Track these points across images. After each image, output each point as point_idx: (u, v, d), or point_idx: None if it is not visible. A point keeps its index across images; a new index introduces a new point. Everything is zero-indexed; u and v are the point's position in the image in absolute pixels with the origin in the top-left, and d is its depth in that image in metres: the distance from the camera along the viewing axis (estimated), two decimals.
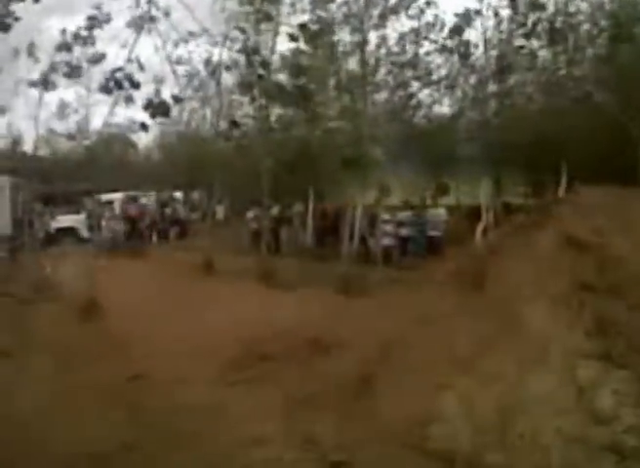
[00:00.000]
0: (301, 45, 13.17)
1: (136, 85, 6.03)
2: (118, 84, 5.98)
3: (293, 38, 12.98)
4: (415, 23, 15.87)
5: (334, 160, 16.72)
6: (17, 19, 6.36)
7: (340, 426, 6.10)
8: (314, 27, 13.49)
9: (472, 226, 16.53)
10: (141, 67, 6.10)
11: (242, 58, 6.79)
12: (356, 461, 5.42)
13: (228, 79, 17.12)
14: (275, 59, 15.73)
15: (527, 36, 15.47)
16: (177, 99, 6.05)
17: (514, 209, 17.07)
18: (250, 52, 6.64)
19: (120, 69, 5.99)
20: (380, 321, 8.74)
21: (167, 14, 6.01)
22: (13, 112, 32.72)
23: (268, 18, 14.53)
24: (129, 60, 6.00)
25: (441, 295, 8.16)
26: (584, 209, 7.87)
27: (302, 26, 13.11)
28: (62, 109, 29.99)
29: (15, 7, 6.25)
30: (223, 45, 14.86)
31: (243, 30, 14.99)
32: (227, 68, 6.60)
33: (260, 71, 6.82)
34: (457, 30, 15.59)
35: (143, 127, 6.60)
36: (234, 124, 16.49)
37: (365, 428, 5.88)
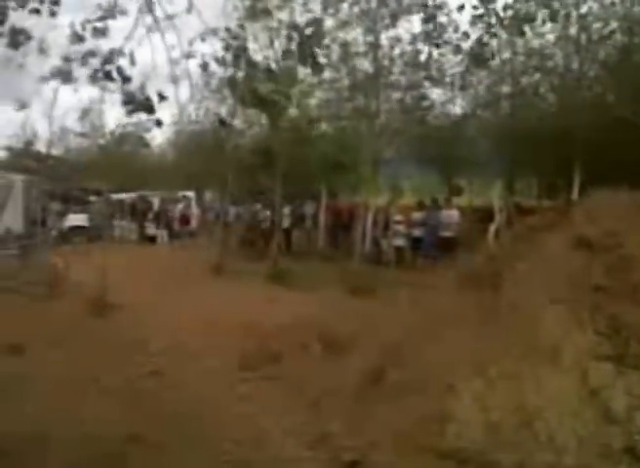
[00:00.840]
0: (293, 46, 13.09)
1: (126, 78, 6.00)
2: (108, 76, 5.95)
3: (289, 38, 12.88)
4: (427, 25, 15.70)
5: (347, 160, 16.73)
6: (29, 37, 6.37)
7: (352, 425, 6.12)
8: (307, 28, 13.34)
9: (484, 227, 16.53)
10: (133, 62, 6.05)
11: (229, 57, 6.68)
12: (369, 461, 5.43)
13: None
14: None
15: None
16: (162, 97, 5.99)
17: (527, 210, 17.00)
18: (237, 49, 6.52)
19: (111, 61, 5.95)
20: (393, 321, 8.76)
21: (189, 9, 5.94)
22: (28, 110, 33.02)
23: (266, 13, 14.37)
24: (121, 53, 5.96)
25: (454, 296, 8.14)
26: (597, 211, 7.84)
27: (295, 27, 13.00)
28: (77, 108, 30.31)
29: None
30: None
31: (241, 26, 14.89)
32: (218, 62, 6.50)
33: (247, 71, 6.72)
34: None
35: (158, 123, 6.56)
36: (222, 122, 16.44)
37: (377, 427, 5.90)
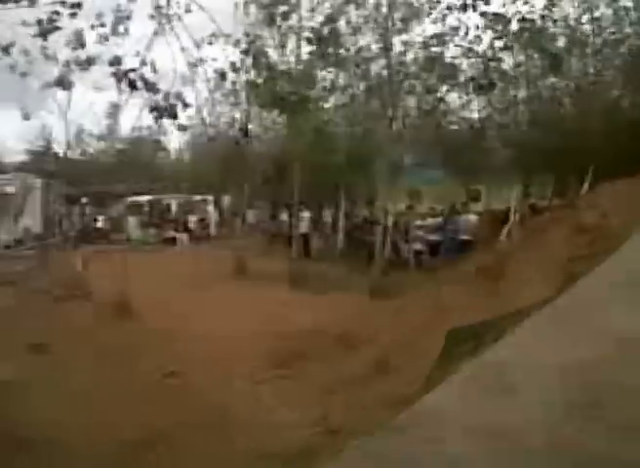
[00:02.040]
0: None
1: (150, 87, 6.10)
2: (132, 84, 6.05)
3: (309, 41, 12.96)
4: (439, 28, 15.55)
5: (365, 164, 16.77)
6: (57, 28, 6.44)
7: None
8: (326, 31, 13.40)
9: (501, 228, 16.58)
10: (155, 70, 6.15)
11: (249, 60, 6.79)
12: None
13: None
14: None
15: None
16: (185, 104, 6.11)
17: (540, 210, 17.09)
18: (256, 53, 6.65)
19: (133, 70, 6.04)
20: (406, 321, 8.94)
21: (188, 10, 6.06)
22: (45, 114, 33.34)
23: (284, 17, 14.40)
24: (143, 63, 6.05)
25: (461, 292, 8.36)
26: (598, 198, 8.14)
27: (313, 29, 13.09)
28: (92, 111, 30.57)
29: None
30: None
31: (260, 27, 14.98)
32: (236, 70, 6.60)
33: (266, 73, 6.83)
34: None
35: (181, 127, 6.69)
36: (243, 131, 16.57)
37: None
